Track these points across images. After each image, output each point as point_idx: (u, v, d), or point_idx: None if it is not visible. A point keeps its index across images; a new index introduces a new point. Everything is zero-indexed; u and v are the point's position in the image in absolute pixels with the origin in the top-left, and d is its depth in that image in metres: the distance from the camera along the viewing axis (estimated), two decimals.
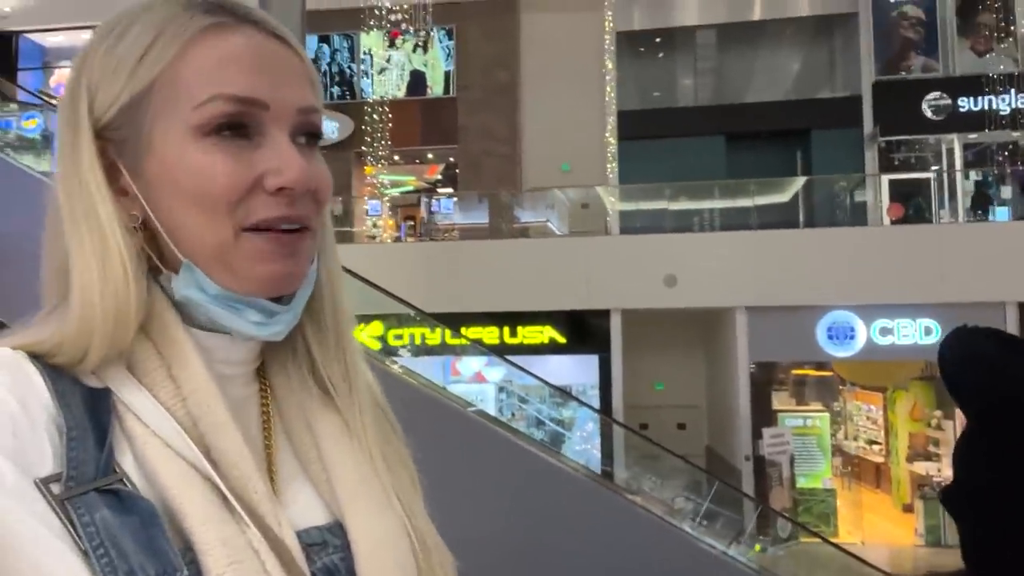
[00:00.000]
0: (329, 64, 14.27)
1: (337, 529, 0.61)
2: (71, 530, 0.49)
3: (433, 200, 14.69)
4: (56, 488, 0.50)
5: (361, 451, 0.65)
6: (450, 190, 14.93)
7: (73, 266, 0.57)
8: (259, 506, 0.56)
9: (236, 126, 0.57)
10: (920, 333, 9.95)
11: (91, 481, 0.51)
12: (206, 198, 0.56)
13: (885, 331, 10.04)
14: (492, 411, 10.61)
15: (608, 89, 13.39)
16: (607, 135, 13.31)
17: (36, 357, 0.55)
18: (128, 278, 0.56)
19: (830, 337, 10.14)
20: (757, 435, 10.42)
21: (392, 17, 12.38)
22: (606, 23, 13.31)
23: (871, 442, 13.67)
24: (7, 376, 0.53)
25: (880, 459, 12.92)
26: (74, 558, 0.49)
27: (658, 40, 14.60)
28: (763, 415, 11.11)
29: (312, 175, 0.59)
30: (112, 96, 0.58)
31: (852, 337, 10.08)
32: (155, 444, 0.55)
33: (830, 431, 14.08)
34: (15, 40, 14.86)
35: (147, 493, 0.53)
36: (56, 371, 0.55)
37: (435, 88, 14.12)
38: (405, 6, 12.62)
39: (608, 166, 13.24)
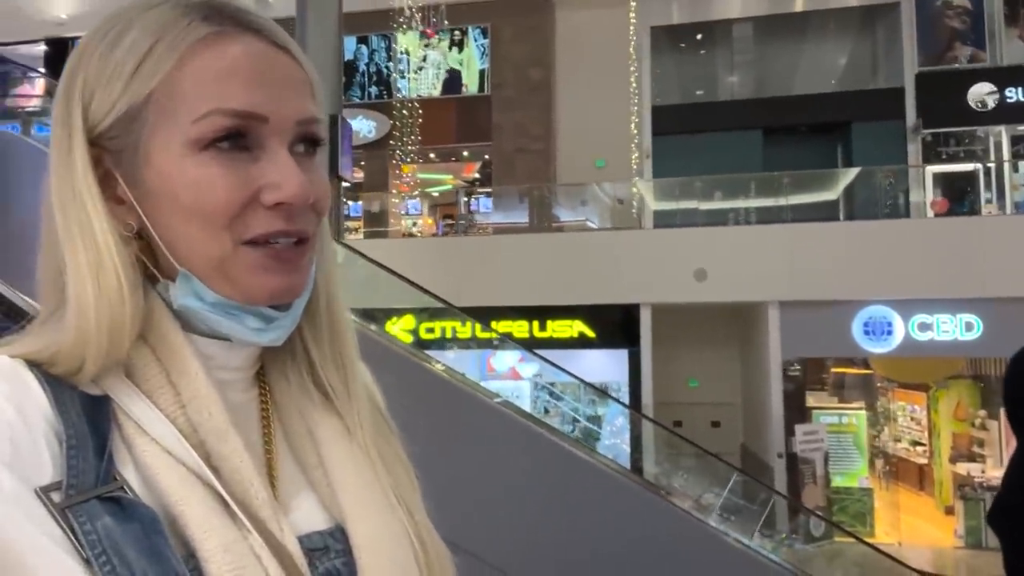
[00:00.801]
0: (367, 64, 14.54)
1: (339, 533, 0.61)
2: (72, 538, 0.49)
3: (472, 199, 14.89)
4: (56, 496, 0.50)
5: (361, 454, 0.65)
6: (489, 189, 15.06)
7: (68, 277, 0.56)
8: (260, 512, 0.56)
9: (235, 139, 0.57)
10: (961, 329, 9.66)
11: (91, 489, 0.51)
12: (204, 212, 0.56)
13: (924, 326, 9.77)
14: (527, 407, 10.67)
15: (632, 82, 13.31)
16: (632, 128, 13.24)
17: (34, 365, 0.55)
18: (123, 291, 0.56)
19: (866, 332, 9.93)
20: (791, 432, 10.25)
21: (406, 11, 12.55)
22: (633, 17, 13.25)
23: (915, 443, 13.31)
24: (5, 384, 0.53)
25: (924, 460, 12.58)
26: (76, 566, 0.48)
27: (696, 35, 14.48)
28: (799, 412, 10.93)
29: (311, 188, 0.59)
30: (108, 104, 0.57)
31: (889, 332, 9.84)
32: (155, 451, 0.55)
33: (873, 432, 13.79)
34: (71, 45, 15.53)
35: (148, 500, 0.53)
36: (54, 379, 0.55)
37: (470, 86, 14.26)
38: (420, 3, 12.79)
39: (632, 156, 13.17)
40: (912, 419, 13.52)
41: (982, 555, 9.45)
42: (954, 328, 9.66)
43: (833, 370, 13.39)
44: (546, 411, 11.52)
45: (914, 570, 8.76)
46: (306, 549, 0.58)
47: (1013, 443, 1.87)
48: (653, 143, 13.62)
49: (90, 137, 0.58)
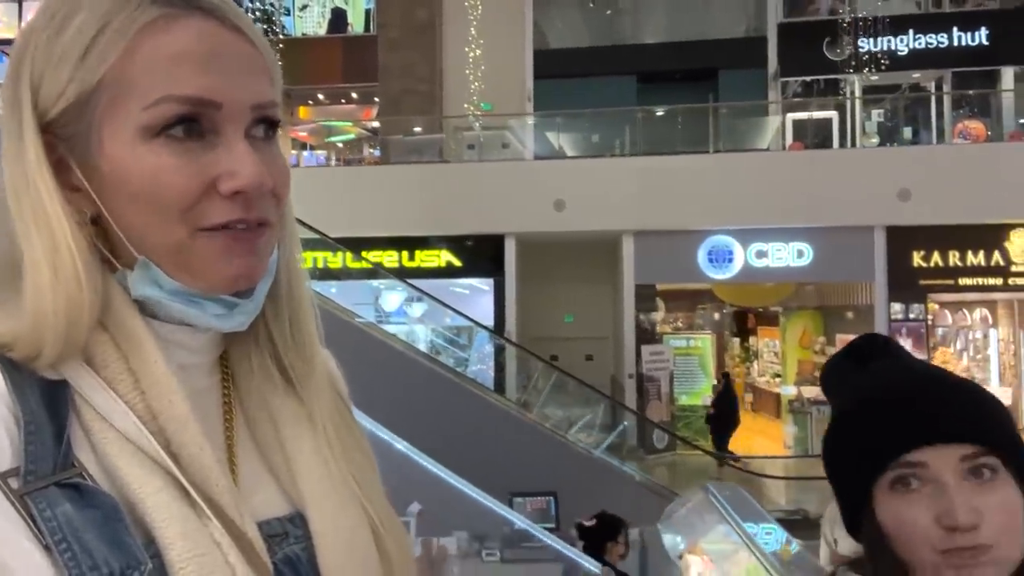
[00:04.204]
0: (251, 0, 14.39)
1: (298, 519, 0.62)
2: (31, 525, 0.49)
3: (375, 149, 14.97)
4: (14, 483, 0.50)
5: (322, 440, 0.65)
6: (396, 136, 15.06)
7: (25, 265, 0.55)
8: (220, 499, 0.56)
9: (187, 126, 0.56)
10: (793, 256, 10.43)
11: (50, 475, 0.51)
12: (157, 202, 0.55)
13: (760, 254, 10.50)
14: (424, 348, 10.95)
15: (474, 29, 13.54)
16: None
17: None
18: (80, 276, 0.55)
19: (710, 260, 10.61)
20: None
21: None
22: None
23: (775, 375, 14.29)
24: None
25: (779, 390, 13.53)
26: (36, 553, 0.48)
27: None
28: (653, 339, 11.62)
29: (269, 173, 0.58)
30: (57, 91, 0.56)
31: (730, 260, 10.54)
32: (114, 438, 0.54)
33: (737, 363, 14.62)
34: None
35: (107, 487, 0.53)
36: (12, 363, 0.54)
37: (356, 26, 14.29)
38: None
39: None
40: (774, 354, 14.48)
41: (806, 461, 10.33)
42: (787, 255, 10.42)
43: (699, 308, 14.19)
44: (437, 352, 11.85)
45: (741, 470, 9.54)
46: (265, 535, 0.59)
47: None
48: (535, 86, 13.96)
49: (41, 123, 0.57)
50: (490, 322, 11.61)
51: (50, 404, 0.53)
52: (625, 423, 9.30)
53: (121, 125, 0.55)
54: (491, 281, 11.46)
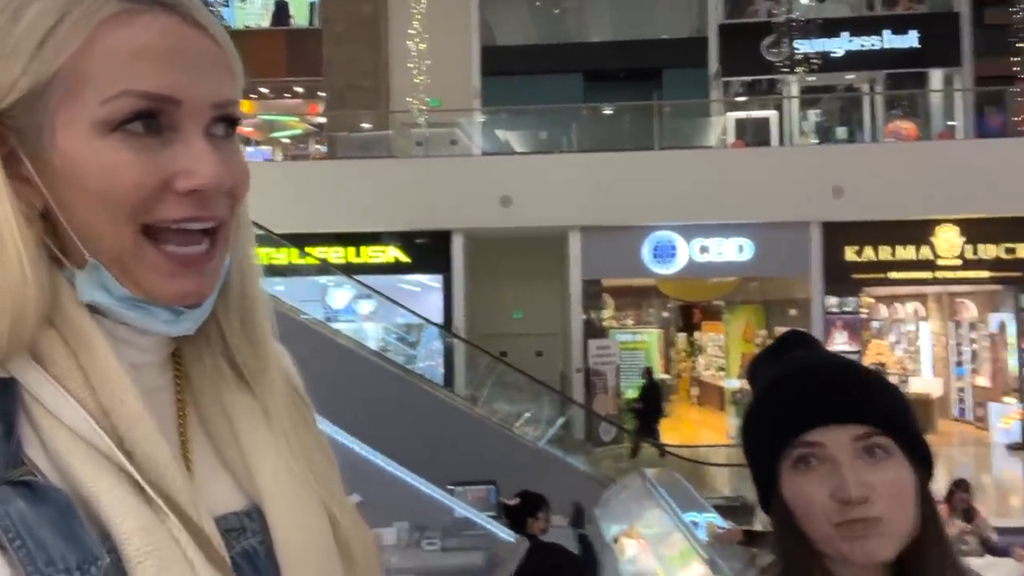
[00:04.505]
0: None
1: (255, 514, 0.62)
2: None
3: (322, 145, 14.75)
4: None
5: (279, 435, 0.65)
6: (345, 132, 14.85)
7: None
8: (177, 495, 0.55)
9: (146, 122, 0.55)
10: (734, 251, 10.68)
11: (0, 474, 0.50)
12: (110, 199, 0.54)
13: (703, 249, 10.73)
14: (372, 344, 10.85)
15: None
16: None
17: None
18: (25, 274, 0.54)
19: (655, 256, 10.79)
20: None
21: None
22: None
23: (720, 368, 14.62)
24: None
25: (723, 383, 13.85)
26: None
27: None
28: (601, 334, 11.76)
29: (227, 173, 0.57)
30: (9, 82, 0.54)
31: (674, 255, 10.74)
32: (65, 436, 0.54)
33: (682, 358, 14.90)
34: None
35: (59, 485, 0.52)
36: None
37: (298, 18, 14.08)
38: None
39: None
40: (719, 347, 14.81)
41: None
42: (728, 250, 10.66)
43: (646, 304, 14.42)
44: (385, 349, 11.75)
45: (684, 459, 9.73)
46: (223, 530, 0.58)
47: None
48: (482, 83, 13.97)
49: None
50: (439, 319, 11.61)
51: None
52: (568, 415, 9.43)
53: (77, 118, 0.54)
54: (440, 277, 11.44)
